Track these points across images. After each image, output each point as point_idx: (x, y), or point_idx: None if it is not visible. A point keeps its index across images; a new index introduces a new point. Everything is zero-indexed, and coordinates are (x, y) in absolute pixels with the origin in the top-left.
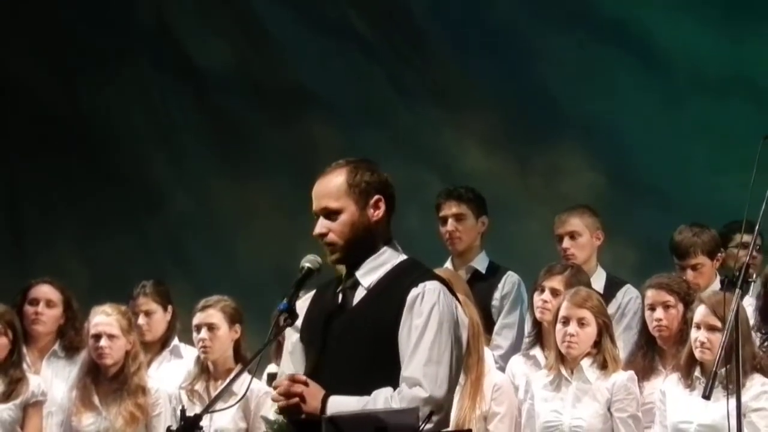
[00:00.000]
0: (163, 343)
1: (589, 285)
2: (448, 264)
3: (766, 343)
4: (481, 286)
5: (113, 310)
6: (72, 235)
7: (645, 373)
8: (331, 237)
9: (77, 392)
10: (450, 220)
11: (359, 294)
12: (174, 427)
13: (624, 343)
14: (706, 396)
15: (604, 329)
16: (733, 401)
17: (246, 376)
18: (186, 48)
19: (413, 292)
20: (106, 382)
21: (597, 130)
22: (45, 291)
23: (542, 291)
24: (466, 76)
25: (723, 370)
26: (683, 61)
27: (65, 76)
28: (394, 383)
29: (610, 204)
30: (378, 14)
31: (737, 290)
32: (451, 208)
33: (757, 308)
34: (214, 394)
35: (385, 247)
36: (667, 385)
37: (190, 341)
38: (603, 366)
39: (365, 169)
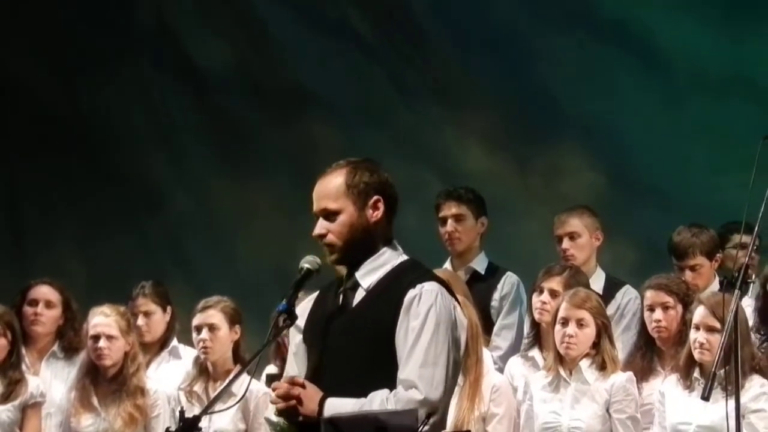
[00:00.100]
0: (162, 344)
1: (588, 286)
2: (447, 264)
3: (765, 344)
4: (480, 287)
5: (112, 311)
6: (72, 235)
7: (644, 374)
8: (330, 238)
9: (76, 393)
10: (449, 221)
11: (359, 295)
12: (173, 428)
13: (623, 344)
14: (705, 397)
15: (603, 330)
16: (732, 402)
17: (245, 377)
18: (186, 48)
19: (410, 293)
20: (105, 383)
21: (597, 130)
22: (44, 292)
23: (541, 292)
24: (466, 75)
25: (722, 371)
26: (683, 61)
27: (65, 76)
28: (394, 384)
29: (609, 204)
30: (378, 13)
31: (736, 291)
32: (450, 209)
33: (756, 309)
34: (213, 395)
35: (384, 248)
36: (666, 386)
37: (189, 342)
38: (602, 367)
39: (365, 170)
